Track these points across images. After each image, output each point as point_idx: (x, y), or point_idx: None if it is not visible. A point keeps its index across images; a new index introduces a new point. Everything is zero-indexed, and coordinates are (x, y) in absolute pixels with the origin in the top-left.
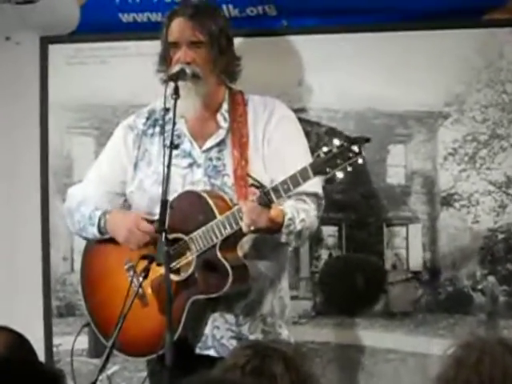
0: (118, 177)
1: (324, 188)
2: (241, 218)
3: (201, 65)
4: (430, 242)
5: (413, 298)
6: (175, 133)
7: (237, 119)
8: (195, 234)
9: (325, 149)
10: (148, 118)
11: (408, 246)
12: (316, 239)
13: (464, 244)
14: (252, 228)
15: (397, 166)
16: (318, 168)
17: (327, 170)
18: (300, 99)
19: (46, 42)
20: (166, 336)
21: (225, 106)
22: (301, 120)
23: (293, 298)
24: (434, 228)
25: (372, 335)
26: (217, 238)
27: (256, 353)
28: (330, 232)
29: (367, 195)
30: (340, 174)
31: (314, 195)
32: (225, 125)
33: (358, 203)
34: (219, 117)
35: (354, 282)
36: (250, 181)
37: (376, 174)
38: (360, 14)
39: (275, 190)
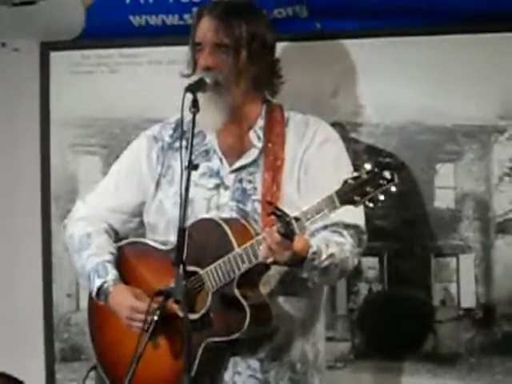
0: (137, 196)
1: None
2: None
3: (225, 72)
4: (483, 275)
5: (465, 338)
6: (204, 148)
7: (273, 139)
8: (211, 267)
9: (354, 174)
10: (175, 130)
11: (459, 280)
12: (354, 272)
13: None
14: (269, 260)
15: (445, 187)
16: (344, 196)
17: (355, 198)
18: (335, 112)
19: (47, 48)
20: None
21: (260, 123)
22: None
23: (328, 339)
24: (488, 259)
25: (418, 381)
26: (234, 272)
27: None
28: (369, 263)
29: (412, 221)
30: (370, 204)
31: (354, 228)
32: (258, 144)
33: (402, 230)
34: (252, 134)
35: (397, 321)
36: (271, 208)
37: (422, 196)
38: (403, 15)
39: (298, 220)
